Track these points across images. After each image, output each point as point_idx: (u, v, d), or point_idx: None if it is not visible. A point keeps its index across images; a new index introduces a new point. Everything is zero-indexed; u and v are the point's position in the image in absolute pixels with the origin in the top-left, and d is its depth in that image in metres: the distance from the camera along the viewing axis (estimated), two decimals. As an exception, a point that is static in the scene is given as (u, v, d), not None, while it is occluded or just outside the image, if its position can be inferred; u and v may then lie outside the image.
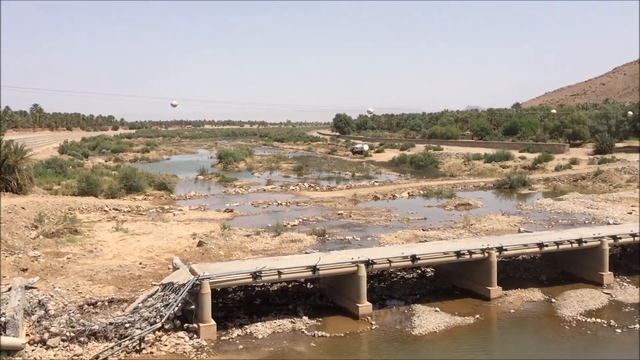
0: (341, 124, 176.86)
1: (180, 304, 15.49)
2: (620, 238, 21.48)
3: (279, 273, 16.77)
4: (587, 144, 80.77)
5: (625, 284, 20.53)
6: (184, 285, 15.72)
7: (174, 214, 34.72)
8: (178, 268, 17.78)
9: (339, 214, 35.09)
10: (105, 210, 34.82)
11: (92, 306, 16.62)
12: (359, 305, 17.25)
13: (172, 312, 15.33)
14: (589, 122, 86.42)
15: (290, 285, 19.79)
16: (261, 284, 18.37)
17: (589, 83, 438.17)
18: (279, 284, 19.37)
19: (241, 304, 18.64)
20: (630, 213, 33.42)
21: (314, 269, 17.11)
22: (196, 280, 15.70)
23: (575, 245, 20.54)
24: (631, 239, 21.70)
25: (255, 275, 16.42)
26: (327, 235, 28.21)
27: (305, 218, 33.75)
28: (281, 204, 39.88)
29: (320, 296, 19.20)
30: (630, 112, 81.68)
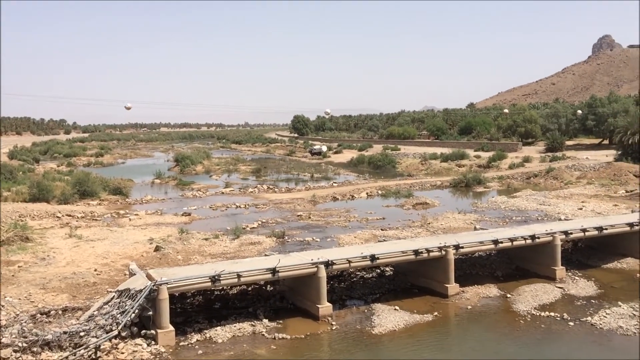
0: (299, 126, 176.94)
1: (137, 311, 15.19)
2: (571, 233, 22.12)
3: (239, 276, 16.64)
4: (539, 142, 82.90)
5: (577, 277, 21.14)
6: (140, 291, 15.43)
7: (130, 219, 34.05)
8: (135, 274, 17.44)
9: (298, 216, 35.07)
10: (57, 217, 33.88)
11: (45, 315, 16.15)
12: (319, 306, 17.26)
13: (129, 319, 15.02)
14: (540, 121, 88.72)
15: (250, 289, 19.67)
16: (220, 287, 18.21)
17: (540, 83, 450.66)
18: (238, 287, 19.23)
19: (200, 308, 18.42)
20: (581, 209, 34.46)
21: (274, 271, 17.05)
22: (153, 285, 15.43)
23: (529, 241, 21.06)
24: (582, 234, 22.38)
25: (214, 279, 16.26)
26: (286, 237, 28.16)
27: (264, 220, 33.60)
28: (240, 207, 39.60)
29: (280, 298, 19.15)
30: (579, 111, 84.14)
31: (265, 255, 22.15)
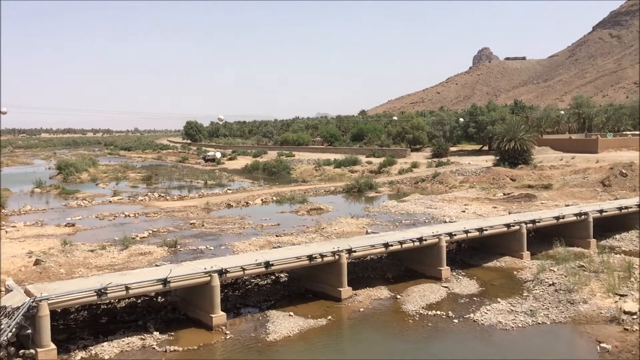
0: (192, 132, 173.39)
1: (14, 329, 14.14)
2: (455, 235, 23.32)
3: (127, 288, 15.95)
4: (426, 148, 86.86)
5: (460, 277, 22.30)
6: (18, 308, 14.38)
7: (7, 232, 31.63)
8: (11, 290, 16.21)
9: (191, 224, 34.30)
10: None
11: None
12: (212, 315, 16.94)
13: (5, 338, 13.96)
14: (427, 128, 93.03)
15: (139, 301, 18.94)
16: (107, 301, 17.36)
17: (426, 92, 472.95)
18: (127, 299, 18.45)
19: (85, 324, 17.46)
20: (464, 211, 36.46)
21: (165, 281, 16.51)
22: (32, 302, 14.43)
23: (417, 243, 21.94)
24: (464, 235, 23.66)
25: (100, 292, 15.48)
26: (179, 246, 27.45)
27: (155, 229, 32.53)
28: (129, 216, 38.07)
29: (172, 309, 18.59)
30: (461, 119, 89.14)
31: (156, 265, 21.40)
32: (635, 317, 16.45)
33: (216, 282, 17.09)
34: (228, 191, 53.02)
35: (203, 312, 17.34)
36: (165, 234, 31.06)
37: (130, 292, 16.15)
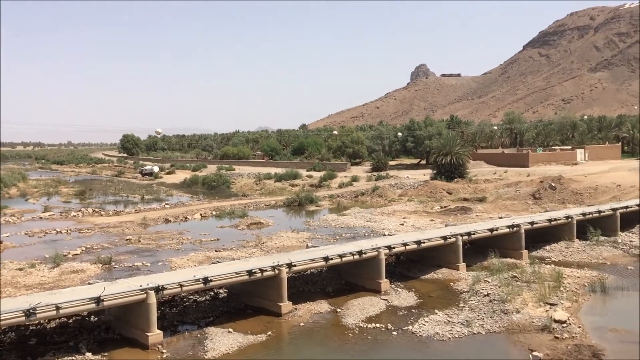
0: (129, 145, 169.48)
1: None
2: (394, 248, 23.63)
3: (57, 308, 15.29)
4: (366, 162, 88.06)
5: (399, 289, 22.59)
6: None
7: None
8: None
9: (127, 240, 33.36)
10: None
11: None
12: (148, 334, 16.45)
13: None
14: (367, 142, 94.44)
15: (71, 321, 18.19)
16: (36, 321, 16.59)
17: (366, 106, 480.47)
18: (58, 320, 17.69)
19: (12, 346, 16.61)
20: (402, 224, 37.06)
21: (98, 300, 15.93)
22: (-47, 325, 13.61)
23: (357, 256, 22.09)
24: (403, 248, 24.01)
25: (29, 312, 14.78)
26: (113, 263, 26.65)
27: (89, 246, 31.45)
28: (61, 232, 36.65)
29: (106, 329, 17.95)
30: (399, 134, 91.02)
31: (89, 283, 20.62)
32: (564, 325, 17.10)
33: (152, 299, 16.64)
34: (166, 206, 51.93)
35: (139, 330, 16.82)
36: (100, 251, 30.07)
37: (61, 312, 15.49)
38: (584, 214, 30.99)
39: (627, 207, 33.39)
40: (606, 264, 25.89)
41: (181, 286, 17.89)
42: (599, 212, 31.80)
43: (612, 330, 17.30)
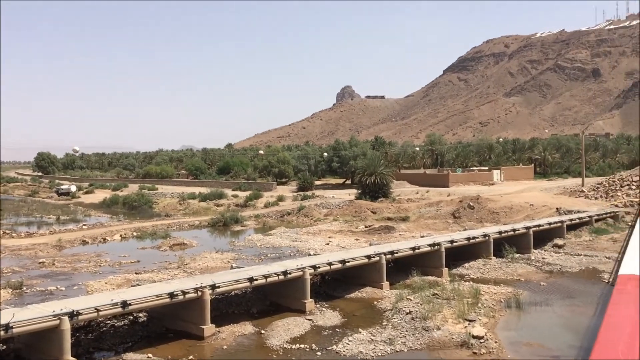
0: (44, 164, 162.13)
1: None
2: (319, 267, 23.67)
3: (-41, 338, 14.25)
4: (292, 182, 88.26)
5: (324, 309, 22.61)
6: None
7: None
8: None
9: (40, 263, 31.70)
10: None
11: None
12: (61, 363, 15.60)
13: None
14: (293, 162, 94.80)
15: (-25, 351, 16.99)
16: None
17: (293, 126, 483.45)
18: (-41, 350, 16.48)
19: None
20: (328, 244, 37.29)
21: (7, 327, 14.98)
22: None
23: (282, 277, 21.96)
24: (328, 267, 24.10)
25: None
26: (25, 288, 25.24)
27: (-3, 270, 29.62)
28: (-33, 256, 34.35)
29: (15, 357, 16.90)
30: (325, 154, 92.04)
31: (-3, 310, 19.41)
32: (482, 341, 17.65)
33: (66, 325, 15.82)
34: (83, 227, 49.82)
35: (51, 359, 15.92)
36: (10, 275, 28.39)
37: (-36, 341, 14.45)
38: (500, 233, 32.31)
39: (539, 225, 35.12)
40: (521, 280, 27.01)
41: (98, 311, 17.12)
42: (514, 230, 33.25)
43: (527, 345, 18.01)
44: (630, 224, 36.69)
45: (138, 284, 23.83)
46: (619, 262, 23.28)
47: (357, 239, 39.12)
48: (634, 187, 50.41)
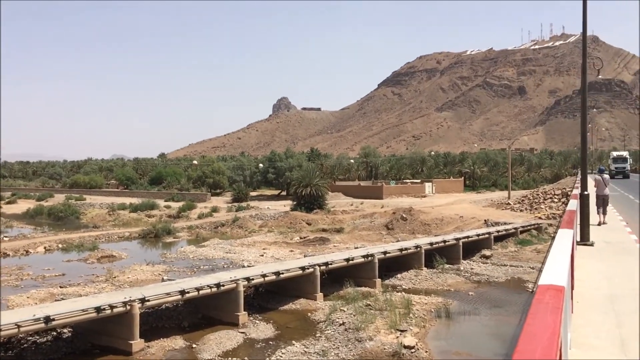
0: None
1: None
2: (253, 279, 23.47)
3: None
4: (227, 192, 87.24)
5: (257, 321, 22.40)
6: None
7: None
8: None
9: (-45, 277, 29.87)
10: None
11: None
12: (-24, 383, 14.73)
13: None
14: (228, 173, 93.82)
15: None
16: None
17: (228, 137, 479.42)
18: None
19: None
20: (262, 255, 37.04)
21: None
22: None
23: (215, 289, 21.62)
24: (262, 279, 23.94)
25: None
26: (-63, 304, 23.63)
27: None
28: None
29: None
30: (261, 165, 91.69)
31: None
32: (413, 350, 17.95)
33: (-17, 343, 14.96)
34: (4, 238, 47.38)
35: (-35, 379, 15.01)
36: None
37: None
38: (431, 244, 33.07)
39: (468, 237, 36.19)
40: (450, 290, 27.69)
41: (18, 327, 16.30)
42: (444, 241, 34.11)
43: (456, 354, 18.46)
44: (552, 235, 38.43)
45: (63, 298, 22.87)
46: (540, 272, 24.27)
47: (291, 251, 39.06)
48: (556, 200, 52.82)
